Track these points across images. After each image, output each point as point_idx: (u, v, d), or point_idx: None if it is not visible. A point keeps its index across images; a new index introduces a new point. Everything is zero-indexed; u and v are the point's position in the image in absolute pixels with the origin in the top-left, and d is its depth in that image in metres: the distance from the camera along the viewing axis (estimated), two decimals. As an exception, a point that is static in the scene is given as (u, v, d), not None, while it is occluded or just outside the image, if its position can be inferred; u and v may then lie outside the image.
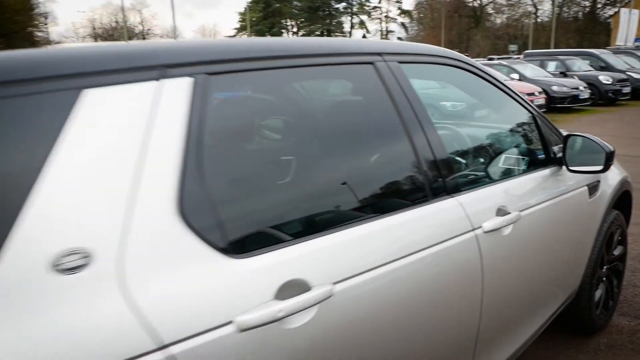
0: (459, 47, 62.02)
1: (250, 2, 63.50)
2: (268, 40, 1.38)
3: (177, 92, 1.09)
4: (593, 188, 2.47)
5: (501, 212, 1.74)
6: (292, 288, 1.11)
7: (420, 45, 1.81)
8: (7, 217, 0.85)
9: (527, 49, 27.87)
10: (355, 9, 71.26)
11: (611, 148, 2.11)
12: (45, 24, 52.50)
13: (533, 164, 2.17)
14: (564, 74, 15.50)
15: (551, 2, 52.24)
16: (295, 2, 68.30)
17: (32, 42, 45.47)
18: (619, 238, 2.94)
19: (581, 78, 14.94)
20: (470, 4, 67.51)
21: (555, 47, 38.13)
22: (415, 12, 75.09)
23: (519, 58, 20.47)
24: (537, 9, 60.86)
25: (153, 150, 1.01)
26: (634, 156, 7.46)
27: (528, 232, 1.88)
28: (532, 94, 12.44)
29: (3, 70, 0.93)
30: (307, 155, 1.47)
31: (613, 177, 2.69)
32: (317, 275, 1.16)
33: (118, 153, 0.98)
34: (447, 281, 1.49)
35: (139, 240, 0.96)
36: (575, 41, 51.39)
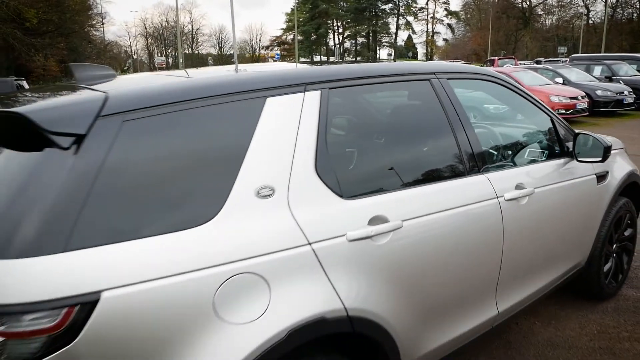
0: (506, 49, 60.97)
1: (298, 3, 64.73)
2: (366, 65, 2.12)
3: (313, 99, 1.82)
4: (601, 177, 3.07)
5: (519, 187, 2.41)
6: (377, 220, 1.82)
7: (463, 66, 2.51)
8: (233, 168, 1.60)
9: (577, 51, 27.57)
10: (401, 10, 71.29)
11: (608, 143, 2.71)
12: (102, 24, 55.40)
13: (549, 155, 2.80)
14: (609, 79, 15.59)
15: (604, 3, 50.80)
16: (341, 3, 68.96)
17: (89, 41, 47.98)
18: (628, 222, 3.51)
19: (626, 83, 15.01)
20: (519, 5, 66.41)
21: (607, 50, 37.26)
22: (462, 13, 74.33)
23: (565, 62, 20.47)
24: (589, 10, 59.27)
25: (302, 134, 1.75)
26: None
27: (541, 205, 2.52)
28: (575, 98, 12.71)
29: (229, 86, 1.69)
30: (391, 141, 2.20)
31: (621, 169, 3.28)
32: (393, 214, 1.87)
33: (285, 134, 1.71)
34: (476, 231, 2.17)
35: (295, 184, 1.69)
36: (629, 43, 49.87)
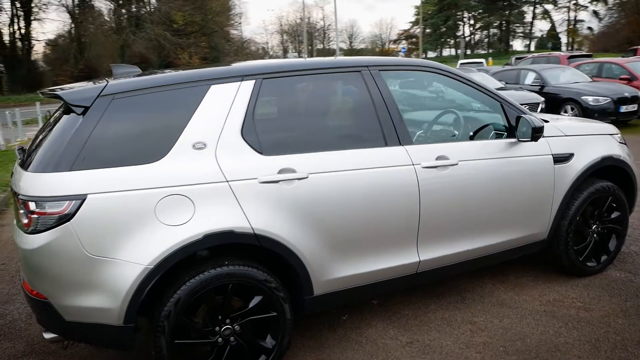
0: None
1: (426, -5, 63.79)
2: (300, 60, 2.84)
3: (247, 86, 2.58)
4: (563, 158, 3.36)
5: (441, 158, 2.91)
6: (286, 170, 2.53)
7: (399, 59, 3.11)
8: (179, 129, 2.43)
9: None
10: (538, -2, 66.61)
11: (537, 124, 3.02)
12: (239, 23, 60.25)
13: (492, 136, 3.25)
14: None
15: None
16: (472, -6, 66.48)
17: (228, 40, 52.43)
18: (613, 204, 3.67)
19: None
20: (685, -14, 58.00)
21: None
22: (612, -3, 67.04)
23: None
24: None
25: (233, 109, 2.51)
26: None
27: (467, 174, 2.98)
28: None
29: (185, 77, 2.53)
30: (313, 118, 2.89)
31: (594, 152, 3.49)
32: (300, 168, 2.56)
33: (220, 109, 2.49)
34: (387, 188, 2.74)
35: (223, 142, 2.47)
36: None
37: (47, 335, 2.47)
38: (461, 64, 24.72)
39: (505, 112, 3.25)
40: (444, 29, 68.58)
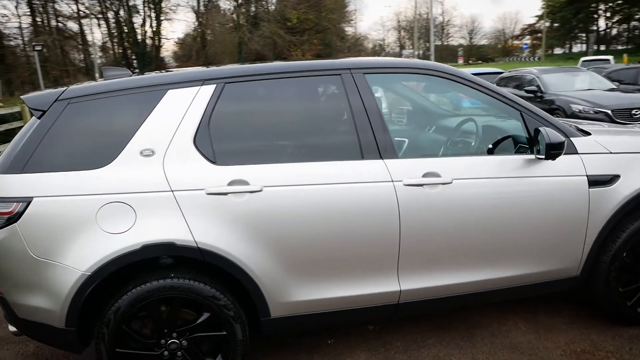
0: None
1: (555, -15, 58.73)
2: (269, 64, 2.61)
3: (207, 91, 2.44)
4: (603, 180, 2.76)
5: (430, 175, 2.52)
6: (238, 183, 2.35)
7: (390, 60, 2.73)
8: (129, 135, 2.35)
9: None
10: (694, -15, 58.00)
11: (552, 140, 2.50)
12: (354, 20, 60.45)
13: (507, 149, 2.77)
14: None
15: None
16: (610, -17, 59.86)
17: (342, 37, 52.87)
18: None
19: None
20: None
21: None
22: None
23: None
24: None
25: (188, 116, 2.39)
26: None
27: (466, 195, 2.55)
28: None
29: (142, 82, 2.45)
30: (277, 126, 2.66)
31: (648, 177, 2.83)
32: (253, 180, 2.35)
33: (174, 115, 2.38)
34: (357, 207, 2.43)
35: (173, 150, 2.35)
36: None
37: (11, 329, 2.56)
38: (583, 61, 22.36)
39: (526, 123, 2.74)
40: (574, 23, 62.65)
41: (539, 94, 9.92)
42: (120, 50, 43.44)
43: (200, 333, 2.43)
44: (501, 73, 13.28)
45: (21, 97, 2.48)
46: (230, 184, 2.35)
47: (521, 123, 2.75)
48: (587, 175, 2.74)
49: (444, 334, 3.04)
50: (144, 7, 42.17)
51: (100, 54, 42.91)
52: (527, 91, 10.17)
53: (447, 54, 75.19)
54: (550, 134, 2.53)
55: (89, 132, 2.42)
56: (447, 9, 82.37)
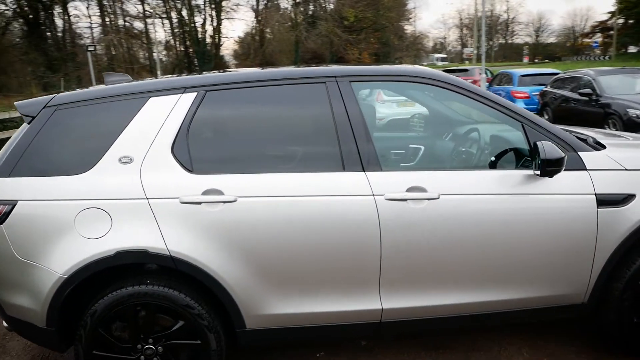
0: None
1: (630, -20, 54.86)
2: (252, 71, 2.55)
3: (188, 98, 2.44)
4: (614, 200, 2.52)
5: (415, 190, 2.39)
6: (212, 192, 2.32)
7: (380, 68, 2.60)
8: (108, 143, 2.38)
9: None
10: None
11: (548, 156, 2.30)
12: (412, 18, 59.41)
13: (503, 163, 2.62)
14: None
15: None
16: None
17: (400, 36, 52.11)
18: None
19: None
20: None
21: None
22: None
23: None
24: None
25: (167, 124, 2.39)
26: None
27: (452, 213, 2.40)
28: None
29: (123, 90, 2.48)
30: (256, 136, 2.58)
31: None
32: (227, 189, 2.32)
33: (153, 123, 2.39)
34: (332, 220, 2.34)
35: (150, 158, 2.36)
36: None
37: (4, 324, 2.67)
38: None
39: (527, 135, 2.55)
40: (653, 20, 58.35)
41: (594, 97, 9.29)
42: (182, 49, 44.94)
43: (176, 340, 2.43)
44: (557, 74, 12.61)
45: (15, 103, 2.57)
46: (205, 193, 2.33)
47: (522, 135, 2.56)
48: (595, 194, 2.51)
49: (438, 356, 2.89)
50: (205, 6, 43.41)
51: (164, 52, 44.72)
52: (581, 94, 9.57)
53: (511, 52, 72.41)
54: (547, 149, 2.33)
55: (74, 138, 2.47)
56: (513, 6, 79.37)
